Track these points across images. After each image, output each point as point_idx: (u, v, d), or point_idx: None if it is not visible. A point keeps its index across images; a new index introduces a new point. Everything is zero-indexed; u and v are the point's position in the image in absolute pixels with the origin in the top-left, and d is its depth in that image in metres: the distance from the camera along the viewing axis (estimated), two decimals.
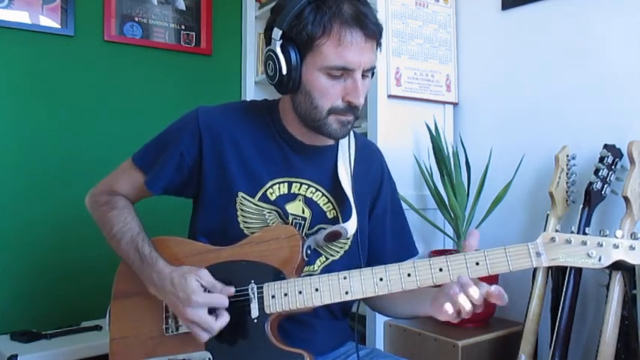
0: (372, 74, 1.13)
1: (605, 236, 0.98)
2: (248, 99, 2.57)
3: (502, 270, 1.00)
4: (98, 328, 2.01)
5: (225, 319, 1.04)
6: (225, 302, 1.05)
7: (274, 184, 1.18)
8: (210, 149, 1.16)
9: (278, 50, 1.05)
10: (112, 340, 1.17)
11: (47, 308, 2.13)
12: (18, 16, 2.11)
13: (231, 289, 1.06)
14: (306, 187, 1.19)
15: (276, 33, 1.05)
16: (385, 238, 1.30)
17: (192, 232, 1.25)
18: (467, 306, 0.99)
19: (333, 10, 1.03)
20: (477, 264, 1.01)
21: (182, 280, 1.05)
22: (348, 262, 1.20)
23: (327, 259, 1.21)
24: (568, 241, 0.99)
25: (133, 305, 1.16)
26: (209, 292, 1.05)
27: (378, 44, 1.10)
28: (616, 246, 0.97)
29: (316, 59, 1.05)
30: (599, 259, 0.97)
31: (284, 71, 1.06)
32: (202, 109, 1.20)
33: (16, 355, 1.75)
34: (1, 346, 1.85)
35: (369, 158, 1.29)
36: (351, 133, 1.23)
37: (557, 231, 1.01)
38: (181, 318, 1.07)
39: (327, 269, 1.19)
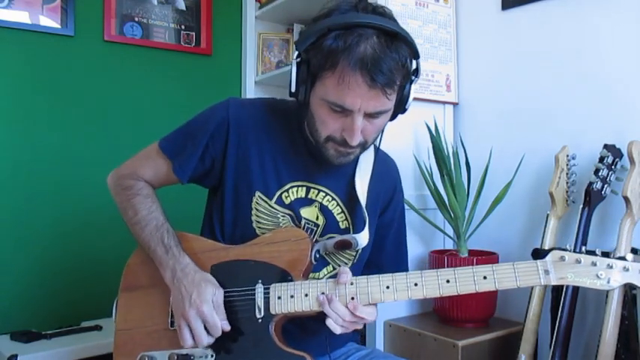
0: (395, 116, 1.10)
1: (617, 258, 0.97)
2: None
3: (510, 285, 1.00)
4: (98, 328, 2.01)
5: (212, 340, 1.06)
6: (218, 332, 1.06)
7: (292, 187, 1.18)
8: (235, 143, 1.16)
9: (293, 67, 1.05)
10: (117, 331, 1.17)
11: (47, 308, 2.13)
12: (18, 16, 2.10)
13: (228, 328, 1.07)
14: (324, 194, 1.19)
15: (294, 52, 1.04)
16: (384, 250, 1.30)
17: (206, 225, 1.26)
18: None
19: (347, 44, 0.97)
20: (485, 278, 1.02)
21: (202, 284, 1.07)
22: (355, 274, 1.20)
23: (334, 268, 1.21)
24: (578, 261, 0.98)
25: (140, 298, 1.17)
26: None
27: (391, 92, 1.02)
28: (626, 269, 0.97)
29: (321, 89, 1.03)
30: (608, 281, 0.97)
31: (293, 88, 1.06)
32: (233, 101, 1.19)
33: (16, 355, 1.75)
34: (1, 346, 1.85)
35: (386, 173, 1.29)
36: (372, 147, 1.21)
37: (567, 250, 1.00)
38: (179, 314, 1.07)
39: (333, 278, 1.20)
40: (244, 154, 1.16)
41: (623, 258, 0.98)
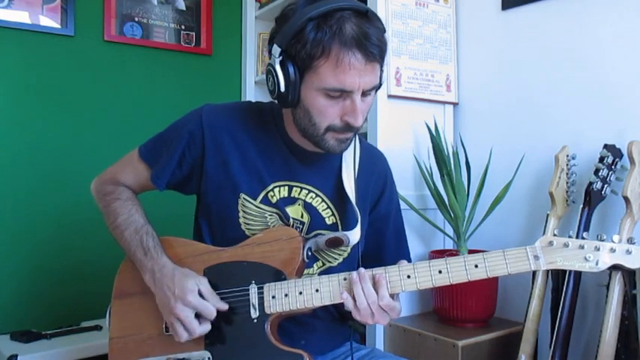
0: (377, 90, 1.11)
1: (603, 240, 0.99)
2: (248, 99, 2.58)
3: (501, 273, 1.02)
4: (98, 328, 2.01)
5: (207, 327, 1.07)
6: (213, 314, 1.06)
7: (275, 187, 1.18)
8: (212, 148, 1.16)
9: (277, 67, 1.04)
10: (112, 339, 1.17)
11: (47, 308, 2.13)
12: (18, 16, 2.11)
13: (225, 306, 1.07)
14: (307, 192, 1.19)
15: (276, 50, 1.03)
16: (385, 245, 1.30)
17: (196, 230, 1.26)
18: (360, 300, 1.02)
19: (333, 29, 0.99)
20: (476, 266, 1.03)
21: (183, 278, 1.07)
22: (347, 270, 1.20)
23: (323, 264, 1.22)
24: (566, 245, 1.00)
25: (133, 304, 1.17)
26: (204, 299, 1.07)
27: (382, 64, 1.06)
28: (613, 250, 0.98)
29: (314, 79, 1.03)
30: (596, 263, 0.98)
31: (282, 88, 1.05)
32: (207, 108, 1.20)
33: (16, 355, 1.75)
34: (1, 346, 1.85)
35: (374, 164, 1.29)
36: (357, 138, 1.22)
37: (555, 235, 1.02)
38: (168, 312, 1.07)
39: (324, 274, 1.20)
40: (224, 159, 1.17)
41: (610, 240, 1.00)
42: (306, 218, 1.19)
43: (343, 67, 1.00)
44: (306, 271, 1.18)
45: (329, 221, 1.21)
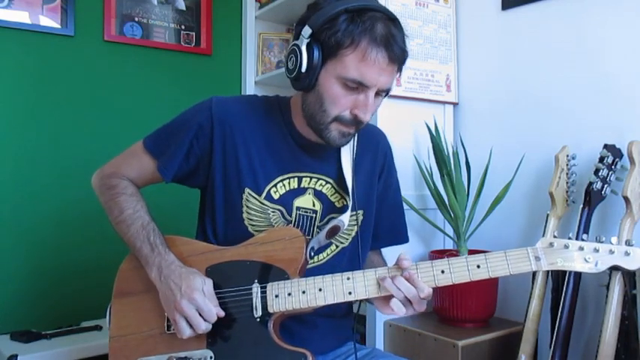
0: (386, 94, 1.14)
1: (602, 242, 1.02)
2: None
3: (502, 273, 1.04)
4: (98, 328, 2.01)
5: (208, 326, 1.06)
6: (213, 318, 1.06)
7: (283, 180, 1.19)
8: (220, 141, 1.17)
9: (303, 48, 1.07)
10: (112, 338, 1.17)
11: (47, 308, 2.13)
12: (18, 16, 2.10)
13: (222, 313, 1.07)
14: (315, 180, 1.21)
15: (307, 31, 1.06)
16: (381, 218, 1.32)
17: (199, 227, 1.26)
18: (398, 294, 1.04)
19: (366, 25, 1.04)
20: (478, 267, 1.05)
21: (190, 276, 1.08)
22: (356, 249, 1.23)
23: (337, 247, 1.24)
24: (566, 246, 1.03)
25: (134, 303, 1.17)
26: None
27: (400, 69, 1.11)
28: (611, 252, 1.01)
29: (337, 67, 1.06)
30: (596, 265, 1.01)
31: (303, 69, 1.07)
32: (216, 100, 1.20)
33: (16, 355, 1.75)
34: (1, 346, 1.85)
35: (375, 145, 1.31)
36: None
37: (555, 236, 1.04)
38: (172, 308, 1.07)
39: (337, 257, 1.23)
40: (231, 152, 1.18)
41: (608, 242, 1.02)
42: (318, 206, 1.21)
43: (368, 61, 1.04)
44: (316, 258, 1.20)
45: (338, 204, 1.23)
